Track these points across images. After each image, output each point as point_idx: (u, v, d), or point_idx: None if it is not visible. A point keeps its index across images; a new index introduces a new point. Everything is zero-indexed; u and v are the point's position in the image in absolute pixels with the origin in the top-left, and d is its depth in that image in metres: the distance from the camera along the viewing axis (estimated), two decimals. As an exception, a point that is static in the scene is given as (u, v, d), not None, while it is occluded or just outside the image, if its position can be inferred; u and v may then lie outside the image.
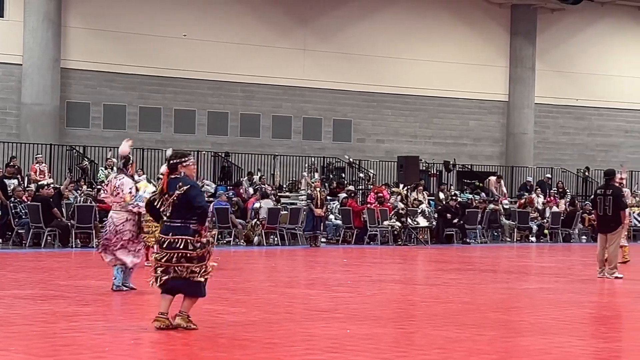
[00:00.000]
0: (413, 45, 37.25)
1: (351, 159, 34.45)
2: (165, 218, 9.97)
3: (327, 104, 36.07)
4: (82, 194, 25.95)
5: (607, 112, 41.20)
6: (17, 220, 23.90)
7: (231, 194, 28.74)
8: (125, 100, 33.03)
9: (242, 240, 26.65)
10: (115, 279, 13.42)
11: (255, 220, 26.83)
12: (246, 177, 31.04)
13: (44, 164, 28.44)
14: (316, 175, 30.81)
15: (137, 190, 13.71)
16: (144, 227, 13.91)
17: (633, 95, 41.08)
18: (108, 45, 32.47)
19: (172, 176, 9.96)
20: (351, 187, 31.13)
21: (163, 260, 9.86)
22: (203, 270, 9.88)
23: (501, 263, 22.99)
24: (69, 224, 23.57)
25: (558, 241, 32.14)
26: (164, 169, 12.55)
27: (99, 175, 28.57)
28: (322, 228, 27.03)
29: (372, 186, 32.39)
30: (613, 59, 41.01)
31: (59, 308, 11.58)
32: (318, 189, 26.85)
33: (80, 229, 23.71)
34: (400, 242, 27.96)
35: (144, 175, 23.55)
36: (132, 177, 13.97)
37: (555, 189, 36.27)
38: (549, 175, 37.29)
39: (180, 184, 9.83)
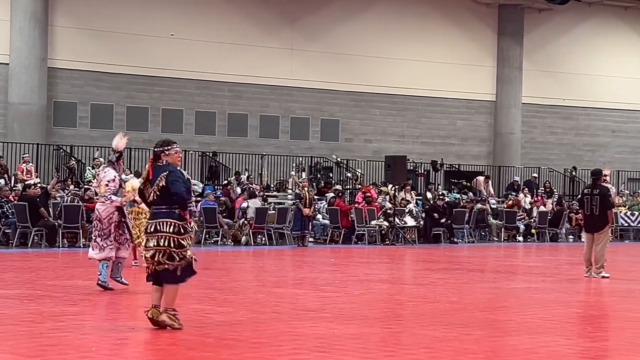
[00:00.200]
0: (401, 45, 37.27)
1: (339, 159, 34.47)
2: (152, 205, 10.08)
3: (314, 104, 36.08)
4: (69, 194, 25.89)
5: (594, 112, 41.32)
6: (3, 220, 23.85)
7: (219, 193, 28.73)
8: (113, 99, 32.98)
9: (230, 240, 26.63)
10: (100, 274, 13.40)
11: (243, 220, 26.82)
12: (234, 177, 31.01)
13: (30, 164, 28.38)
14: (304, 174, 30.83)
15: (121, 187, 13.73)
16: (130, 223, 13.89)
17: (620, 95, 41.20)
18: (95, 45, 32.41)
19: (157, 163, 10.05)
20: (338, 187, 31.14)
21: (151, 245, 9.90)
22: (182, 256, 9.88)
23: (488, 262, 23.02)
24: (56, 223, 23.51)
25: (545, 241, 32.20)
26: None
27: (86, 174, 28.51)
28: (309, 228, 27.03)
29: (360, 186, 32.41)
30: (600, 58, 41.13)
31: (46, 308, 11.54)
32: (306, 189, 26.84)
33: (67, 228, 23.66)
34: (387, 242, 27.98)
35: (131, 175, 23.49)
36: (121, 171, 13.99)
37: (543, 188, 36.35)
38: (535, 175, 37.36)
39: (163, 171, 9.92)
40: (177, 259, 9.89)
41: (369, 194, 29.58)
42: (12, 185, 26.27)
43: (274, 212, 27.69)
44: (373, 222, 28.31)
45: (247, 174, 31.21)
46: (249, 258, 23.11)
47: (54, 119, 32.07)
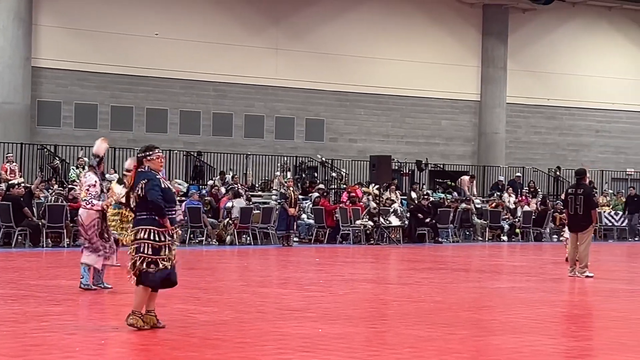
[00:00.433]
0: (385, 45, 37.29)
1: (324, 159, 34.46)
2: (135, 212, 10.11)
3: (299, 103, 36.07)
4: (53, 194, 25.79)
5: (578, 111, 41.43)
6: (-13, 219, 23.74)
7: (204, 192, 28.71)
8: (97, 99, 32.89)
9: (215, 240, 26.60)
10: (82, 277, 13.39)
11: (228, 219, 26.79)
12: (218, 177, 30.97)
13: (14, 163, 28.27)
14: (288, 174, 30.81)
15: (105, 190, 13.73)
16: (110, 227, 13.86)
17: (604, 95, 41.33)
18: (79, 44, 32.32)
19: (139, 170, 10.03)
20: (321, 186, 31.16)
21: (132, 252, 9.92)
22: (157, 262, 9.85)
23: (473, 262, 23.05)
24: (40, 223, 23.43)
25: (529, 240, 32.27)
26: (128, 163, 12.52)
27: (70, 174, 28.42)
28: (294, 227, 27.02)
29: (345, 186, 32.42)
30: (584, 58, 41.25)
31: (30, 308, 11.51)
32: (291, 189, 26.83)
33: (51, 228, 23.58)
34: (372, 242, 28.00)
35: (115, 175, 23.45)
36: (102, 175, 13.96)
37: (527, 188, 36.43)
38: (519, 174, 37.44)
39: (143, 178, 9.91)
40: (154, 265, 9.86)
41: (354, 194, 29.59)
42: (-4, 184, 26.15)
43: (258, 211, 27.67)
44: (358, 222, 28.32)
45: (231, 174, 31.18)
46: (233, 258, 23.08)
47: (38, 119, 31.96)
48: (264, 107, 35.54)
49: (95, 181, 13.44)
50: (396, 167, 34.88)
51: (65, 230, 23.37)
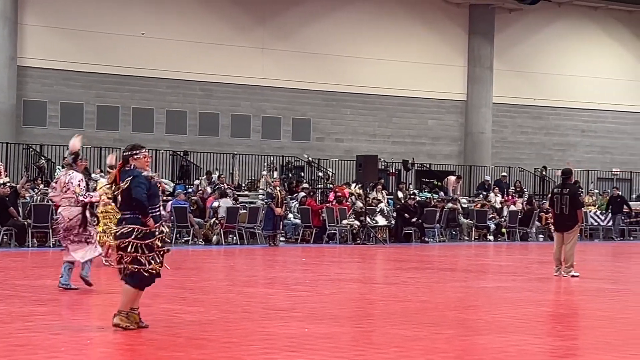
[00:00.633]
0: (372, 45, 37.30)
1: (310, 158, 34.46)
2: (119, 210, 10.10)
3: (286, 103, 36.05)
4: (39, 193, 25.72)
5: (564, 111, 41.53)
6: (-28, 219, 23.66)
7: (191, 190, 28.68)
8: (83, 98, 32.80)
9: (201, 240, 26.57)
10: (61, 276, 13.36)
11: (214, 219, 26.76)
12: (204, 176, 30.93)
13: (0, 163, 28.16)
14: (275, 174, 30.78)
15: (91, 189, 13.71)
16: (95, 222, 13.82)
17: (590, 95, 41.44)
18: (65, 43, 32.23)
19: (125, 168, 10.00)
20: (306, 185, 31.16)
21: (118, 250, 9.90)
22: (146, 261, 9.83)
23: (459, 262, 23.08)
24: (26, 223, 23.36)
25: (515, 240, 32.34)
26: (110, 159, 12.50)
27: (55, 174, 28.28)
28: (281, 227, 27.00)
29: (332, 185, 32.43)
30: (570, 59, 41.34)
31: (15, 308, 11.47)
32: (278, 188, 26.81)
33: (37, 228, 23.51)
34: (359, 241, 28.00)
35: (101, 174, 23.38)
36: (87, 171, 13.95)
37: (513, 188, 36.50)
38: (504, 174, 37.51)
39: (128, 176, 9.89)
40: (142, 263, 9.83)
41: (341, 194, 29.58)
42: (-19, 184, 26.05)
43: (245, 211, 27.64)
44: (344, 222, 28.33)
45: (217, 174, 31.14)
46: (220, 257, 23.06)
47: (23, 118, 31.86)
48: (251, 106, 35.51)
49: (82, 177, 13.45)
50: (383, 167, 34.90)
51: (51, 230, 23.29)
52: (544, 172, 38.83)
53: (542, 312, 12.73)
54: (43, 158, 30.06)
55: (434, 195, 33.49)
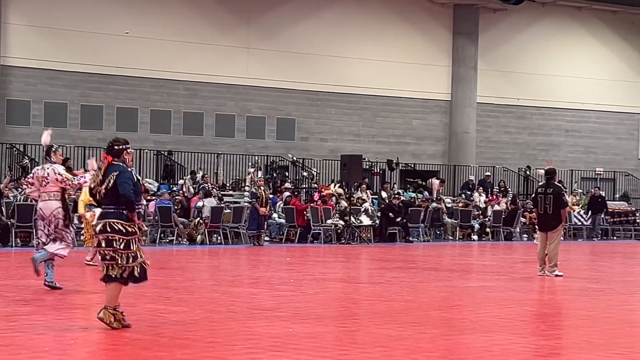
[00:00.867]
0: (356, 44, 37.32)
1: (295, 158, 34.45)
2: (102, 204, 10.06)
3: (270, 103, 36.03)
4: (23, 193, 25.61)
5: (547, 111, 41.64)
6: (-45, 219, 23.57)
7: (176, 188, 28.64)
8: (67, 98, 32.70)
9: (185, 239, 26.53)
10: (46, 275, 13.32)
11: (199, 219, 26.72)
12: (189, 176, 30.88)
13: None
14: (259, 173, 30.77)
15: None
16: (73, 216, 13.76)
17: (573, 95, 41.57)
18: (49, 43, 32.13)
19: (113, 162, 9.96)
20: (288, 185, 31.17)
21: (101, 245, 9.86)
22: (128, 257, 9.82)
23: (443, 261, 23.11)
24: (9, 222, 23.28)
25: (499, 239, 32.42)
26: (92, 164, 12.39)
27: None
28: (265, 227, 26.99)
29: (316, 185, 32.43)
30: (554, 59, 41.45)
31: (-2, 308, 11.44)
32: (262, 188, 26.80)
33: (20, 227, 23.44)
34: (343, 241, 28.02)
35: (87, 174, 23.30)
36: (65, 161, 13.90)
37: (497, 187, 36.57)
38: (488, 174, 37.58)
39: (115, 171, 9.86)
40: (125, 260, 9.82)
41: (325, 194, 29.59)
42: (-36, 184, 25.96)
43: (229, 211, 27.62)
44: (329, 221, 28.34)
45: (201, 173, 31.09)
46: (204, 257, 23.03)
47: (7, 117, 31.75)
48: (235, 106, 35.48)
49: (63, 168, 13.45)
50: (367, 167, 34.92)
51: (34, 230, 23.17)
52: (527, 172, 38.92)
53: (526, 312, 12.76)
54: (27, 158, 29.95)
55: (418, 195, 33.54)
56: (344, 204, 28.78)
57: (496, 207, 33.55)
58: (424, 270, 19.29)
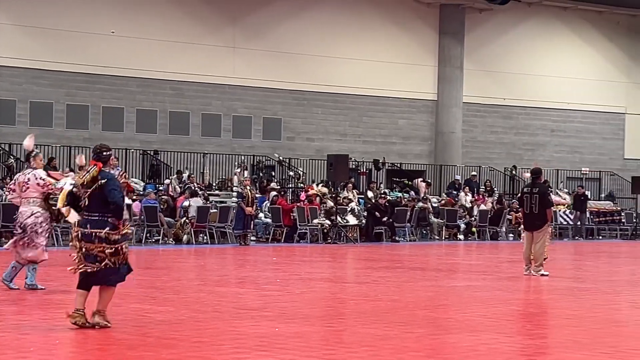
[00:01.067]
0: (343, 44, 37.32)
1: (281, 157, 34.43)
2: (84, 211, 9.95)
3: (256, 102, 35.99)
4: (6, 199, 25.53)
5: (533, 111, 41.72)
6: (-60, 219, 23.46)
7: (162, 189, 28.59)
8: (52, 97, 32.60)
9: (171, 239, 26.49)
10: (26, 277, 13.29)
11: (185, 218, 26.69)
12: (175, 176, 30.83)
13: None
14: (246, 173, 30.74)
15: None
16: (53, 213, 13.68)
17: (559, 95, 41.66)
18: (35, 42, 32.02)
19: (102, 169, 9.92)
20: (273, 185, 31.15)
21: (79, 253, 9.80)
22: (117, 261, 9.81)
23: (430, 261, 23.15)
24: (-6, 222, 23.20)
25: (486, 239, 32.47)
26: (80, 160, 12.35)
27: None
28: (251, 226, 26.97)
29: (302, 185, 32.43)
30: (540, 59, 41.54)
31: (-17, 308, 11.39)
32: (248, 188, 26.78)
33: (6, 227, 23.33)
34: (329, 241, 28.03)
35: (72, 173, 23.24)
36: (48, 164, 13.85)
37: (483, 187, 36.63)
38: (474, 173, 37.64)
39: (100, 178, 9.79)
40: (111, 262, 9.79)
41: (311, 193, 29.59)
42: (-51, 183, 25.85)
43: (215, 210, 27.60)
44: (315, 221, 28.34)
45: (187, 173, 31.04)
46: (190, 257, 23.00)
47: (-8, 117, 31.65)
48: (221, 105, 35.44)
49: (45, 172, 13.39)
50: (353, 166, 34.92)
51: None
52: (513, 172, 39.00)
53: (512, 311, 12.79)
54: (12, 157, 29.85)
55: (404, 194, 33.56)
56: (330, 203, 28.78)
57: (482, 207, 33.60)
58: (410, 270, 19.31)
